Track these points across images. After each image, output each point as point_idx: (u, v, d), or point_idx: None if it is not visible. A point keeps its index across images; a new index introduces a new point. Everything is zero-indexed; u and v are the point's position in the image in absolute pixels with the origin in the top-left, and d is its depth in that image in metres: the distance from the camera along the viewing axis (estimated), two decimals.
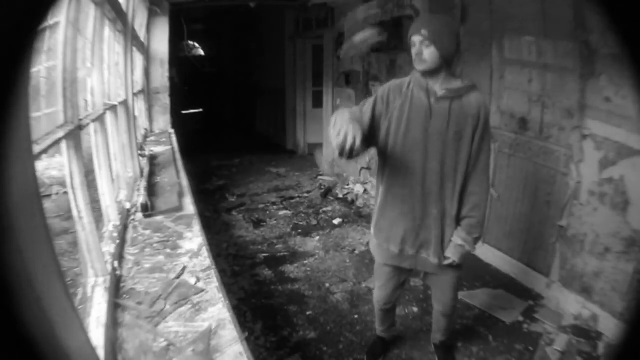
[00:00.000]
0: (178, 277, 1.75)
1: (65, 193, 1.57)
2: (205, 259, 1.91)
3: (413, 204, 1.71)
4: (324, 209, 4.66)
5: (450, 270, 1.81)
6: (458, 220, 1.74)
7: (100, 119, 2.14)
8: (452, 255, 1.73)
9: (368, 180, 5.24)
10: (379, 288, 2.02)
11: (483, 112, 1.64)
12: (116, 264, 1.78)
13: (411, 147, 1.65)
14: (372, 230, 1.90)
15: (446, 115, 1.61)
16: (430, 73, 1.61)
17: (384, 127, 1.68)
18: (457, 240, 1.72)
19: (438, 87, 1.63)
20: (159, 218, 2.41)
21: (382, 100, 1.69)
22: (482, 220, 1.74)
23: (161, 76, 5.16)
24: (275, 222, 4.32)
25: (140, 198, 2.52)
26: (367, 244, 3.70)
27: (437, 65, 1.59)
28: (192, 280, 1.72)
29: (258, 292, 2.96)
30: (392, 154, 1.69)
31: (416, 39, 1.58)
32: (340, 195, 5.12)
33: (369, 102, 1.72)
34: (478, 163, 1.67)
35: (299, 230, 4.06)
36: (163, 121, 5.25)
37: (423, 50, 1.57)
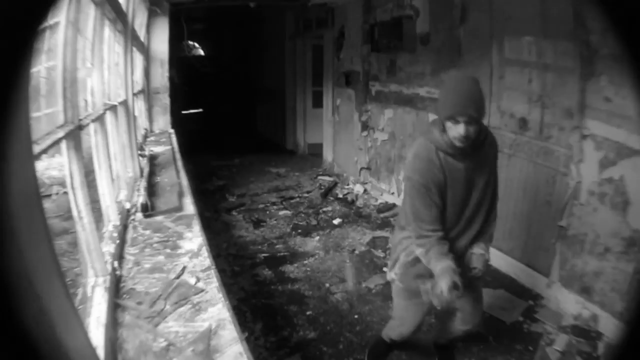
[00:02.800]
0: (178, 277, 1.75)
1: (65, 193, 1.56)
2: (205, 259, 1.91)
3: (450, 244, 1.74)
4: (324, 209, 4.66)
5: (476, 285, 1.85)
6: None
7: (100, 119, 2.14)
8: (477, 264, 1.76)
9: (368, 180, 5.24)
10: (401, 325, 1.99)
11: (496, 145, 1.74)
12: (116, 264, 1.77)
13: (450, 205, 1.67)
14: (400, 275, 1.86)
15: (478, 168, 1.65)
16: None
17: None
18: (479, 251, 1.76)
19: (467, 146, 1.58)
20: (158, 218, 2.41)
21: (434, 185, 1.61)
22: (494, 228, 1.82)
23: (161, 76, 5.16)
24: (275, 222, 4.32)
25: (140, 198, 2.52)
26: (367, 243, 3.71)
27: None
28: (192, 280, 1.72)
29: (258, 292, 2.96)
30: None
31: (462, 119, 1.47)
32: (340, 195, 5.12)
33: (427, 199, 1.62)
34: (494, 183, 1.77)
35: (299, 230, 4.06)
36: (163, 121, 5.25)
37: (470, 131, 1.48)
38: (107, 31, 2.54)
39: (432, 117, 3.94)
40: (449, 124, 1.51)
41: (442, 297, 1.55)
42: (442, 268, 1.57)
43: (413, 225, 1.69)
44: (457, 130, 1.49)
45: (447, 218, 1.68)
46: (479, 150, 1.61)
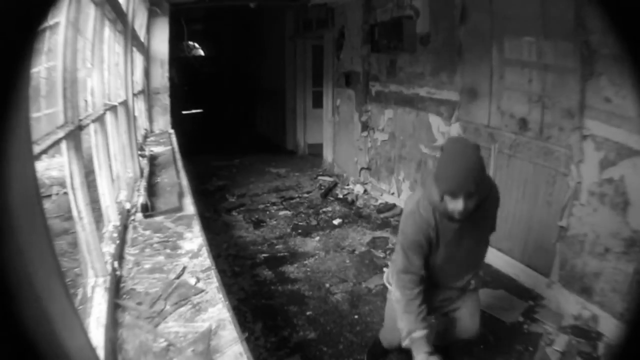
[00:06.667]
0: (178, 277, 1.75)
1: (65, 193, 1.56)
2: (205, 259, 1.91)
3: (450, 291, 1.82)
4: (324, 209, 4.66)
5: (473, 297, 1.89)
6: None
7: (100, 119, 2.14)
8: (473, 282, 1.85)
9: (368, 180, 5.24)
10: (393, 331, 1.96)
11: (498, 200, 1.71)
12: (116, 264, 1.77)
13: (441, 259, 1.68)
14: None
15: (475, 228, 1.63)
16: None
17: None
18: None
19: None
20: (159, 218, 2.41)
21: (426, 243, 1.61)
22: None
23: (161, 76, 5.16)
24: (275, 222, 4.32)
25: (140, 198, 2.52)
26: (367, 244, 3.71)
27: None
28: (192, 281, 1.72)
29: (258, 293, 2.96)
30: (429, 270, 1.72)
31: (460, 195, 1.42)
32: (340, 196, 5.12)
33: (416, 255, 1.62)
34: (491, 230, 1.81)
35: (299, 231, 4.06)
36: (163, 121, 5.25)
37: (468, 205, 1.43)
38: (107, 31, 2.54)
39: (432, 117, 3.94)
40: (447, 198, 1.45)
41: None
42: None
43: (395, 276, 1.70)
44: (455, 205, 1.43)
45: (436, 271, 1.70)
46: (477, 210, 1.54)
